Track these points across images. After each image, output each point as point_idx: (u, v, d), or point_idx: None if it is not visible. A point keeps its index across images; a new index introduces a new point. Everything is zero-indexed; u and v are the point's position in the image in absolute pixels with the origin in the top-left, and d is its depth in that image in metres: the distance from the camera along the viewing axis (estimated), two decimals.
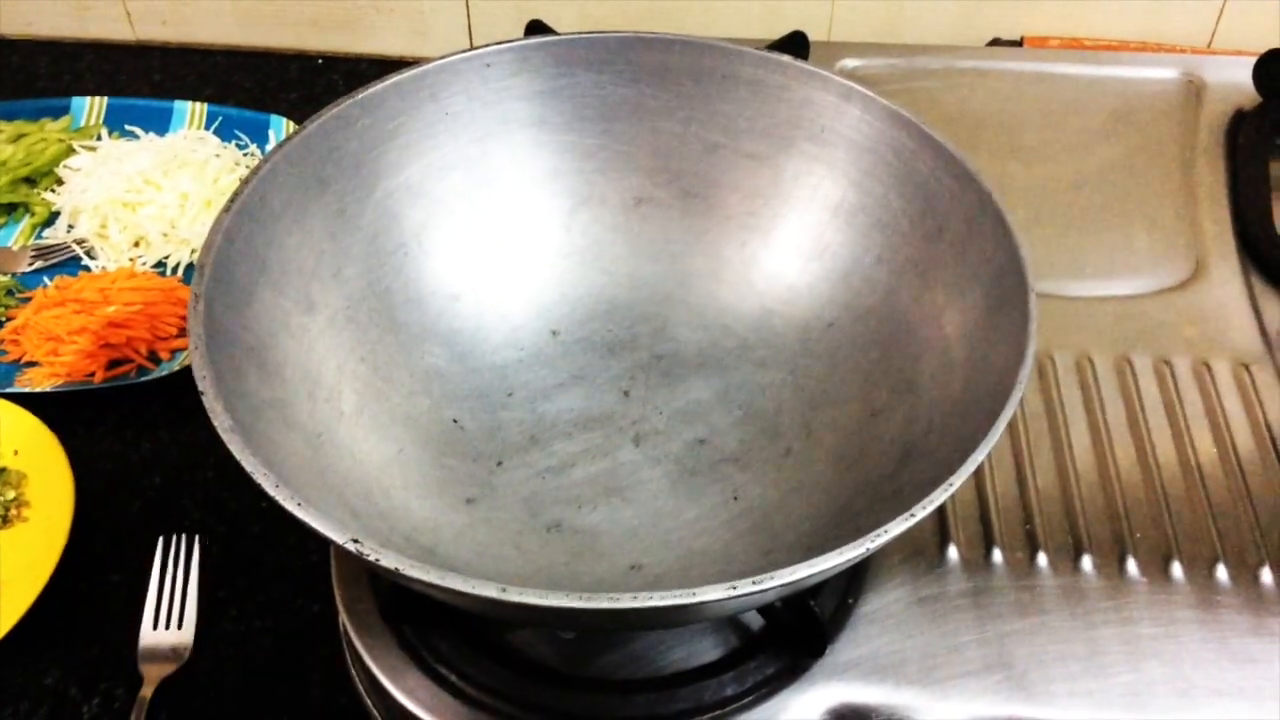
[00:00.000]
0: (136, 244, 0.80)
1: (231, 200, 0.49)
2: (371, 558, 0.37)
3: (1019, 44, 0.90)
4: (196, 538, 0.63)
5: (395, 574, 0.37)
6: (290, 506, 0.39)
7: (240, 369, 0.46)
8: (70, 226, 0.82)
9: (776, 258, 0.60)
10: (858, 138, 0.57)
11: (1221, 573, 0.53)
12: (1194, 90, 0.81)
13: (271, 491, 0.39)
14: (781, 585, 0.37)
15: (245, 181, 0.50)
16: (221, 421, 0.41)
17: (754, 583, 0.37)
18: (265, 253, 0.51)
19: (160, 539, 0.62)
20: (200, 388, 0.42)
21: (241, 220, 0.49)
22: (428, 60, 0.57)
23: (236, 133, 0.88)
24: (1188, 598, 0.53)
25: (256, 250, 0.50)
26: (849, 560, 0.38)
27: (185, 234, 0.80)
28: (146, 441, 0.69)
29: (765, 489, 0.55)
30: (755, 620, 0.51)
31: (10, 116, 0.88)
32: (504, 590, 0.36)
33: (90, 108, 0.90)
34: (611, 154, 0.62)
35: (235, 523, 0.65)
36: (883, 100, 0.56)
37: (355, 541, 0.38)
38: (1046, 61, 0.83)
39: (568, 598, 0.36)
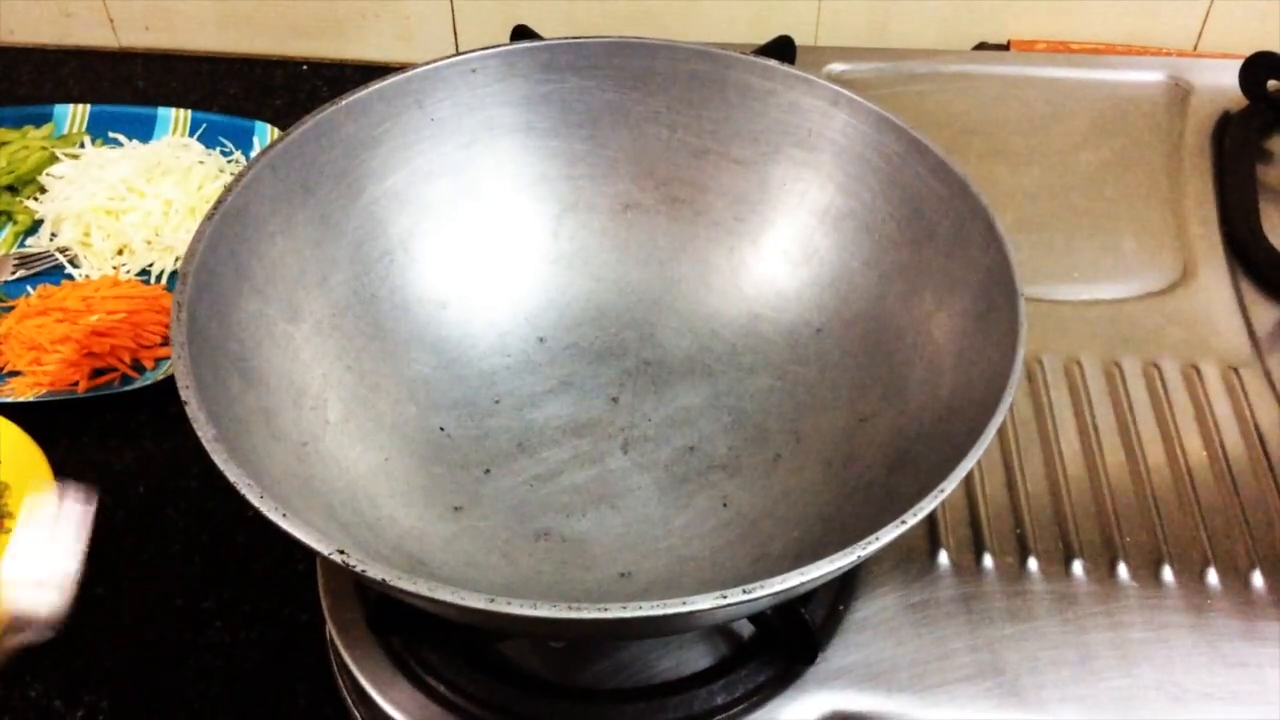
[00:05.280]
0: (120, 252, 0.80)
1: (214, 208, 0.49)
2: (358, 569, 0.37)
3: (1005, 48, 0.90)
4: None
5: (382, 585, 0.37)
6: (275, 517, 0.38)
7: (224, 378, 0.46)
8: (53, 235, 0.81)
9: (764, 263, 0.60)
10: (845, 142, 0.57)
11: (1212, 576, 0.53)
12: (1180, 93, 0.81)
13: (256, 502, 0.38)
14: (772, 594, 0.37)
15: (228, 189, 0.50)
16: (205, 432, 0.40)
17: (744, 592, 0.36)
18: (249, 261, 0.50)
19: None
20: (183, 397, 0.41)
21: (224, 228, 0.49)
22: (413, 66, 0.57)
23: (221, 139, 0.88)
24: (1178, 602, 0.52)
25: (240, 258, 0.50)
26: (840, 569, 0.38)
27: (169, 241, 0.79)
28: (131, 451, 0.69)
29: (754, 496, 0.54)
30: (745, 628, 0.51)
31: None
32: (492, 601, 0.36)
33: (73, 115, 0.89)
34: (598, 159, 0.61)
35: (221, 532, 0.64)
36: (870, 104, 0.56)
37: (341, 553, 0.37)
38: (1033, 65, 0.83)
39: (555, 608, 0.36)
